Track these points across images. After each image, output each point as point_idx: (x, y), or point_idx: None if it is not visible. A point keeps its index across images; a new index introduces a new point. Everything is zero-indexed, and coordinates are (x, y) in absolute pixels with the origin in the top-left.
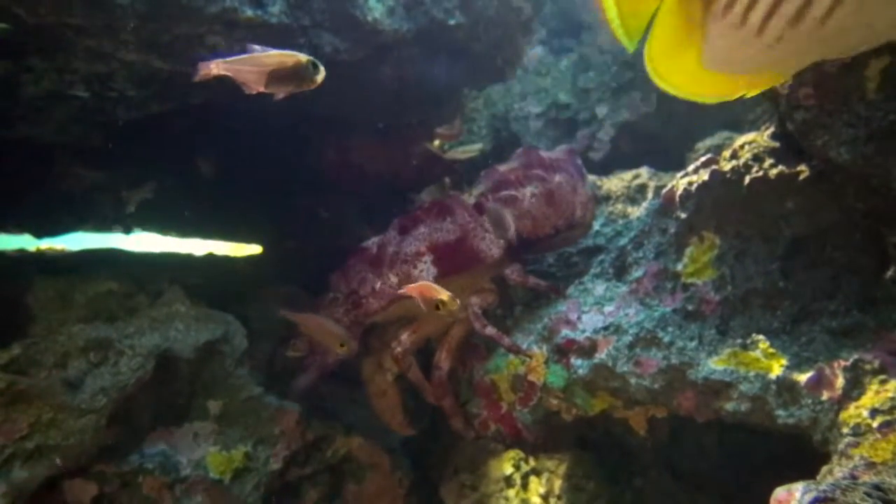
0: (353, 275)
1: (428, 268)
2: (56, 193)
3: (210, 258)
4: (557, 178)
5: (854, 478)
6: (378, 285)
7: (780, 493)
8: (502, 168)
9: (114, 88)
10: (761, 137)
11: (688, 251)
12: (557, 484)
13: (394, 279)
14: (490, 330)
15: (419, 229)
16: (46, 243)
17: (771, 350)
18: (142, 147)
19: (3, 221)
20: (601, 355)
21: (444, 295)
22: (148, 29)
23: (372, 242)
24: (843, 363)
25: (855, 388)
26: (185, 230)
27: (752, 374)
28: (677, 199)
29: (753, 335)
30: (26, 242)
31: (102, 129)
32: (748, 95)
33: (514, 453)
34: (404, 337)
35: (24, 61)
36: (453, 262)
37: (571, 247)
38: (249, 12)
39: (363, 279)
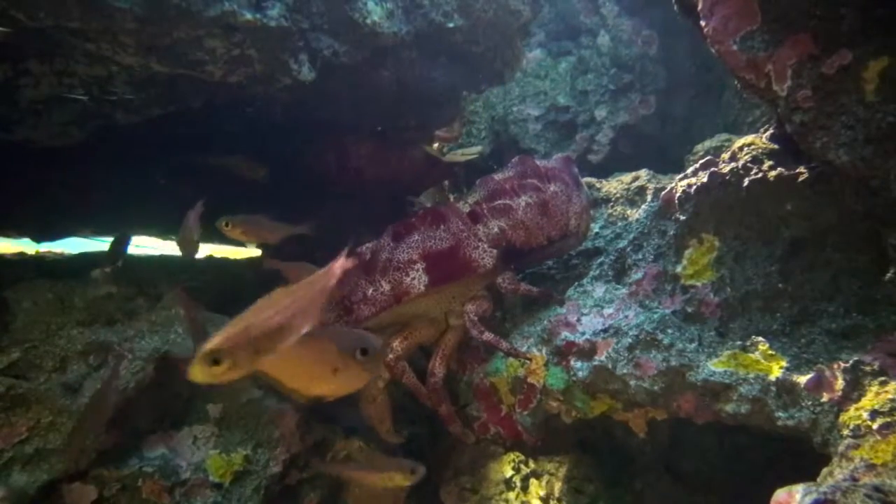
0: (345, 280)
1: (420, 276)
2: (55, 197)
3: (209, 261)
4: (552, 187)
5: (854, 479)
6: (370, 292)
7: (780, 494)
8: (497, 177)
9: (113, 92)
10: (760, 139)
11: (687, 253)
12: (557, 486)
13: (386, 286)
14: (488, 335)
15: (413, 237)
16: (46, 247)
17: (770, 352)
18: (141, 150)
19: (3, 225)
20: (601, 357)
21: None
22: (147, 32)
23: (366, 248)
24: (842, 365)
25: (855, 389)
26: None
27: (751, 375)
28: (676, 201)
29: (753, 337)
30: (25, 246)
31: (102, 133)
32: None
33: (513, 456)
34: (395, 344)
35: (23, 65)
36: (446, 270)
37: None
38: (248, 15)
39: (355, 285)
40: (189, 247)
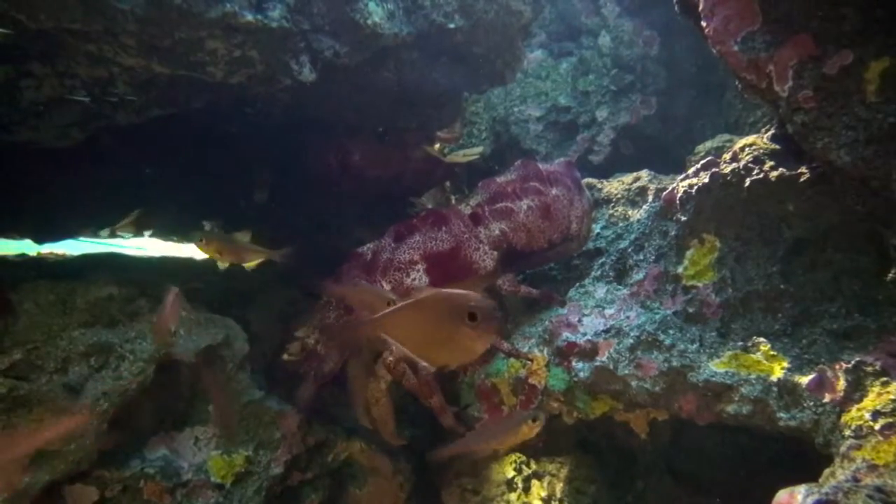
0: (346, 280)
1: (421, 276)
2: (57, 198)
3: (211, 262)
4: (554, 191)
5: (856, 480)
6: None
7: (782, 495)
8: (499, 179)
9: (114, 93)
10: (761, 140)
11: (688, 254)
12: (559, 487)
13: (386, 286)
14: None
15: (414, 237)
16: (47, 248)
17: (772, 352)
18: (144, 151)
19: (4, 227)
20: (602, 358)
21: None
22: (148, 33)
23: (367, 248)
24: (844, 365)
25: (856, 390)
26: (186, 234)
27: (753, 376)
28: (677, 201)
29: (754, 337)
30: (27, 247)
31: (104, 134)
32: None
33: (515, 457)
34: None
35: (25, 66)
36: (446, 271)
37: None
38: (249, 16)
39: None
40: (164, 337)
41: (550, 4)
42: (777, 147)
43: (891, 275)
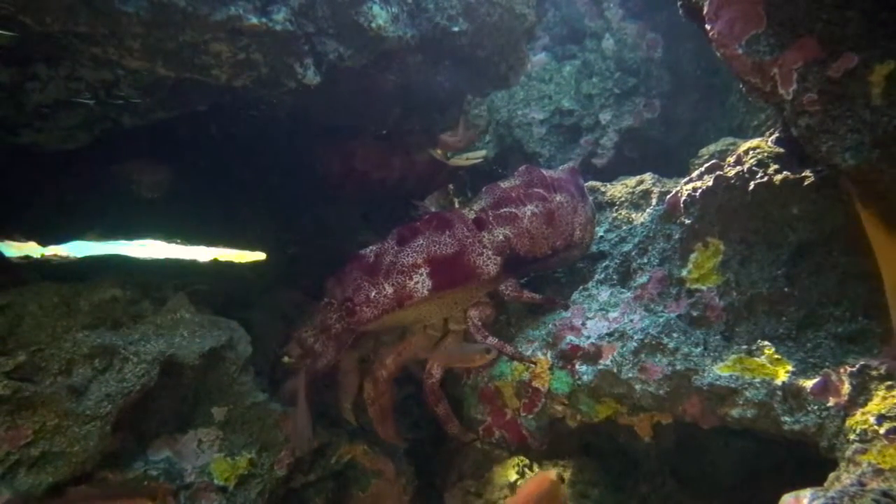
0: (348, 282)
1: (424, 280)
2: (61, 200)
3: (214, 264)
4: (558, 198)
5: (862, 484)
6: (373, 294)
7: (787, 499)
8: (504, 185)
9: (119, 96)
10: (765, 143)
11: (692, 257)
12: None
13: (389, 289)
14: (492, 340)
15: (417, 241)
16: (51, 250)
17: (776, 356)
18: (148, 153)
19: (9, 229)
20: (606, 361)
21: None
22: (153, 36)
23: (370, 250)
24: (849, 369)
25: (861, 394)
26: (190, 236)
27: (757, 380)
28: (681, 204)
29: (759, 341)
30: (31, 250)
31: (108, 136)
32: None
33: (518, 460)
34: (389, 361)
35: (30, 69)
36: (449, 276)
37: None
38: (254, 20)
39: (358, 287)
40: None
41: (554, 7)
42: (781, 150)
43: None
